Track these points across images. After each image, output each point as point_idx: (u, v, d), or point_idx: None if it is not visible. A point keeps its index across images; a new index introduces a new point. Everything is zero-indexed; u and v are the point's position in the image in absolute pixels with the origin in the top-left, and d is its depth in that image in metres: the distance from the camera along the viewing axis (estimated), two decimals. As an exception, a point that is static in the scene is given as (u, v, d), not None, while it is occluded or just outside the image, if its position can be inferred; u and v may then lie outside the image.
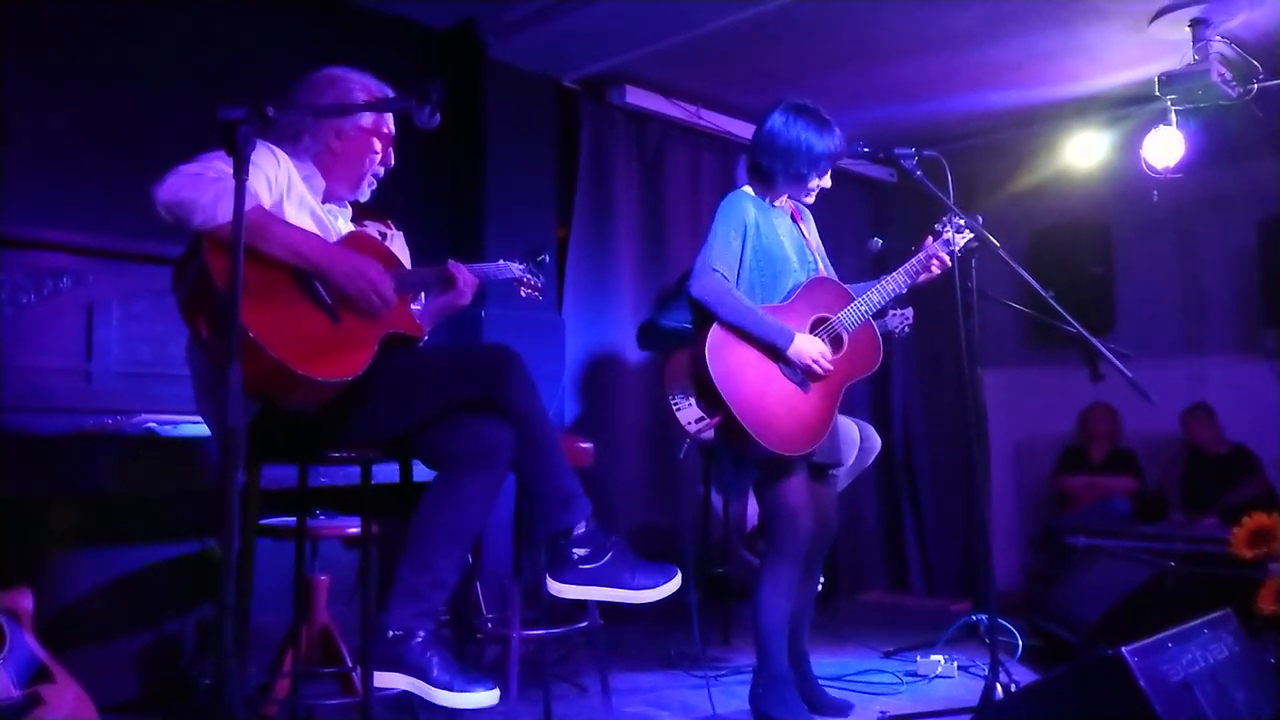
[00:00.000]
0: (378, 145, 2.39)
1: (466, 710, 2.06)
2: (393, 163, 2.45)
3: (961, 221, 3.11)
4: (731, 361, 2.91)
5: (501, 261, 2.72)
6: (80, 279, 3.06)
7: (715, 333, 2.91)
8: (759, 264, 3.05)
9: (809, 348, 2.97)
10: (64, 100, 3.36)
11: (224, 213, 1.94)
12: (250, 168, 1.98)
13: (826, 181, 3.17)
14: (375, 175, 2.43)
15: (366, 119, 2.36)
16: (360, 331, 2.14)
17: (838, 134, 3.10)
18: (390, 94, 2.38)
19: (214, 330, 1.99)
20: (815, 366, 2.97)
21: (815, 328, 3.04)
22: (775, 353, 2.96)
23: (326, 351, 2.04)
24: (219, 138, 1.73)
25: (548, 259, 2.84)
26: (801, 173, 3.09)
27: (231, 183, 1.89)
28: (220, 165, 1.99)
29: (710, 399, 2.90)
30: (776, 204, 3.18)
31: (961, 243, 3.13)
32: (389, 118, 2.41)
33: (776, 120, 3.09)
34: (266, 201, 2.11)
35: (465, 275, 2.47)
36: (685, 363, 4.12)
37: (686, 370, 4.12)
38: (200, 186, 1.96)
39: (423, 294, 2.69)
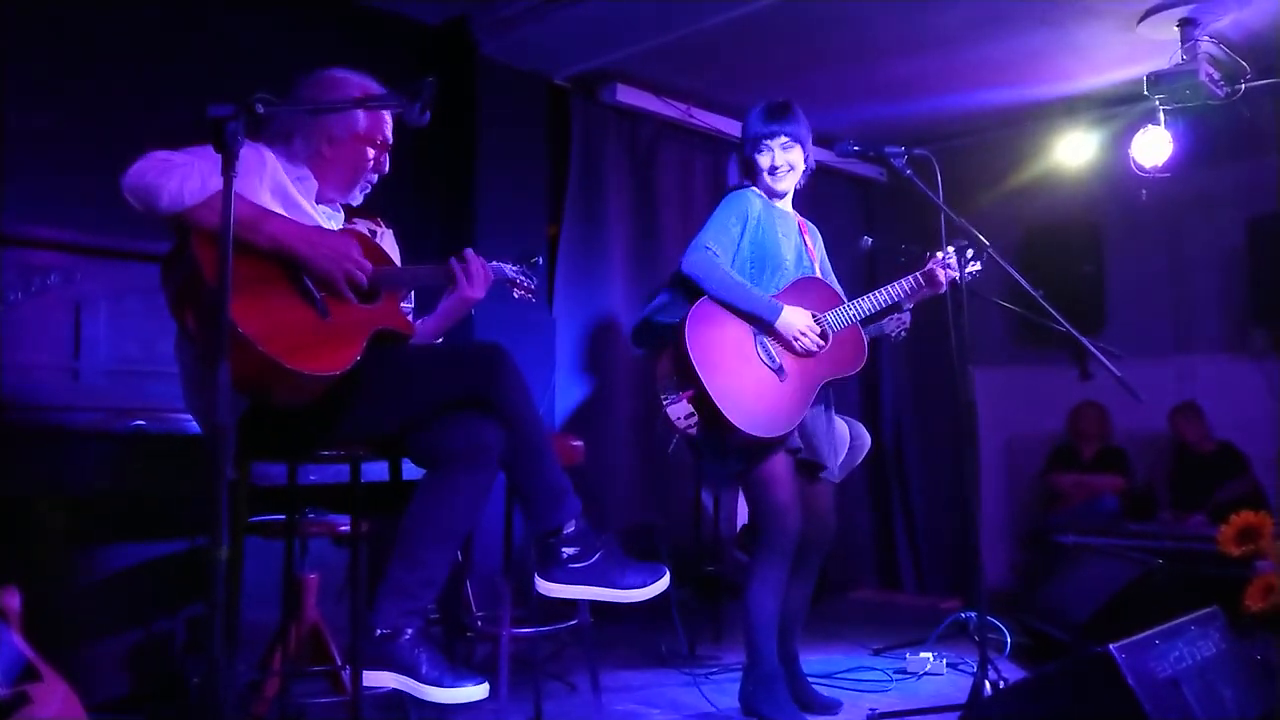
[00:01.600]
0: (371, 152, 2.38)
1: (457, 706, 2.06)
2: (387, 169, 2.43)
3: (970, 252, 3.13)
4: (710, 339, 2.94)
5: (494, 262, 2.72)
6: (69, 276, 3.04)
7: (697, 310, 2.94)
8: (753, 255, 3.08)
9: (797, 320, 3.00)
10: (53, 98, 3.34)
11: (190, 195, 1.94)
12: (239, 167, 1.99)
13: (779, 158, 3.14)
14: (369, 181, 2.42)
15: (360, 125, 2.33)
16: (349, 327, 2.14)
17: (782, 116, 3.14)
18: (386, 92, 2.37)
19: (201, 324, 1.99)
20: (803, 339, 3.00)
21: None
22: (763, 327, 2.99)
23: (315, 346, 2.04)
24: (205, 134, 1.73)
25: (541, 261, 2.83)
26: (747, 155, 3.20)
27: (201, 168, 1.91)
28: (189, 156, 1.98)
29: (685, 374, 2.92)
30: (779, 204, 3.20)
31: (965, 270, 3.15)
32: (387, 125, 2.39)
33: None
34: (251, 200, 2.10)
35: (469, 266, 2.42)
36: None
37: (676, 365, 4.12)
38: (166, 171, 1.95)
39: (413, 293, 2.68)
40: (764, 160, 3.16)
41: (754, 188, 3.19)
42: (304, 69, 2.36)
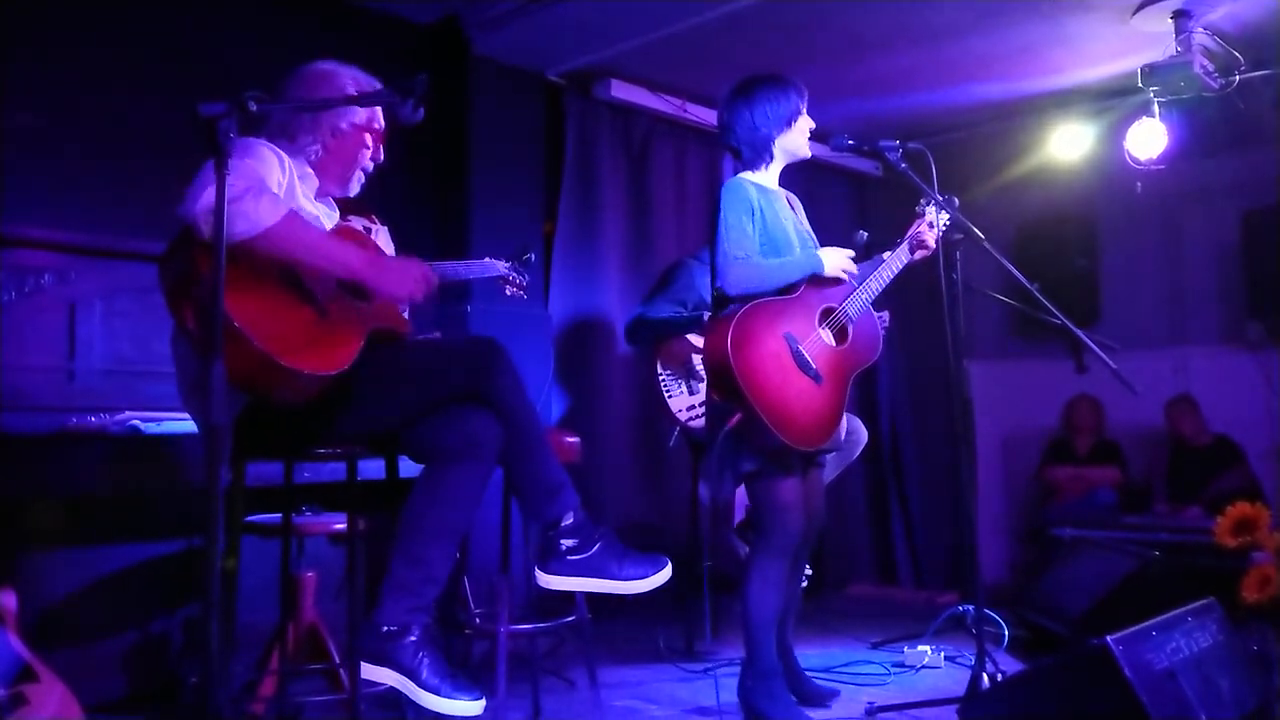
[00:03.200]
0: (369, 141, 2.40)
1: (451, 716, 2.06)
2: (382, 158, 2.45)
3: (940, 199, 3.13)
4: (751, 357, 2.89)
5: (487, 259, 2.71)
6: (62, 276, 3.04)
7: (734, 329, 2.89)
8: (764, 247, 3.05)
9: (837, 259, 3.05)
10: (46, 98, 3.33)
11: (265, 218, 1.95)
12: (264, 170, 2.01)
13: (810, 120, 3.17)
14: (365, 170, 2.43)
15: (360, 115, 2.35)
16: (347, 326, 2.14)
17: (795, 80, 3.17)
18: (378, 84, 2.37)
19: (199, 320, 1.98)
20: (847, 270, 3.07)
21: (823, 319, 3.05)
22: (817, 279, 3.03)
23: (313, 345, 2.03)
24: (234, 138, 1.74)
25: (534, 257, 2.83)
26: (772, 132, 3.11)
27: (268, 192, 1.93)
28: (253, 173, 2.00)
29: (731, 394, 2.89)
30: (772, 186, 3.18)
31: (943, 221, 3.16)
32: (379, 113, 2.41)
33: (738, 97, 3.15)
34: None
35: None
36: (680, 349, 4.12)
37: (681, 357, 4.12)
38: (242, 199, 1.92)
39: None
40: (806, 125, 3.15)
41: (744, 175, 3.16)
42: (296, 68, 2.35)
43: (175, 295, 2.04)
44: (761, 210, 3.05)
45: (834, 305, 3.06)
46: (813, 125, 3.18)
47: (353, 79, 2.34)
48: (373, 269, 2.12)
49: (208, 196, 1.84)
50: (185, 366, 2.15)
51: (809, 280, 3.05)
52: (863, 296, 3.09)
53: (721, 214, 3.02)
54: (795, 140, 3.14)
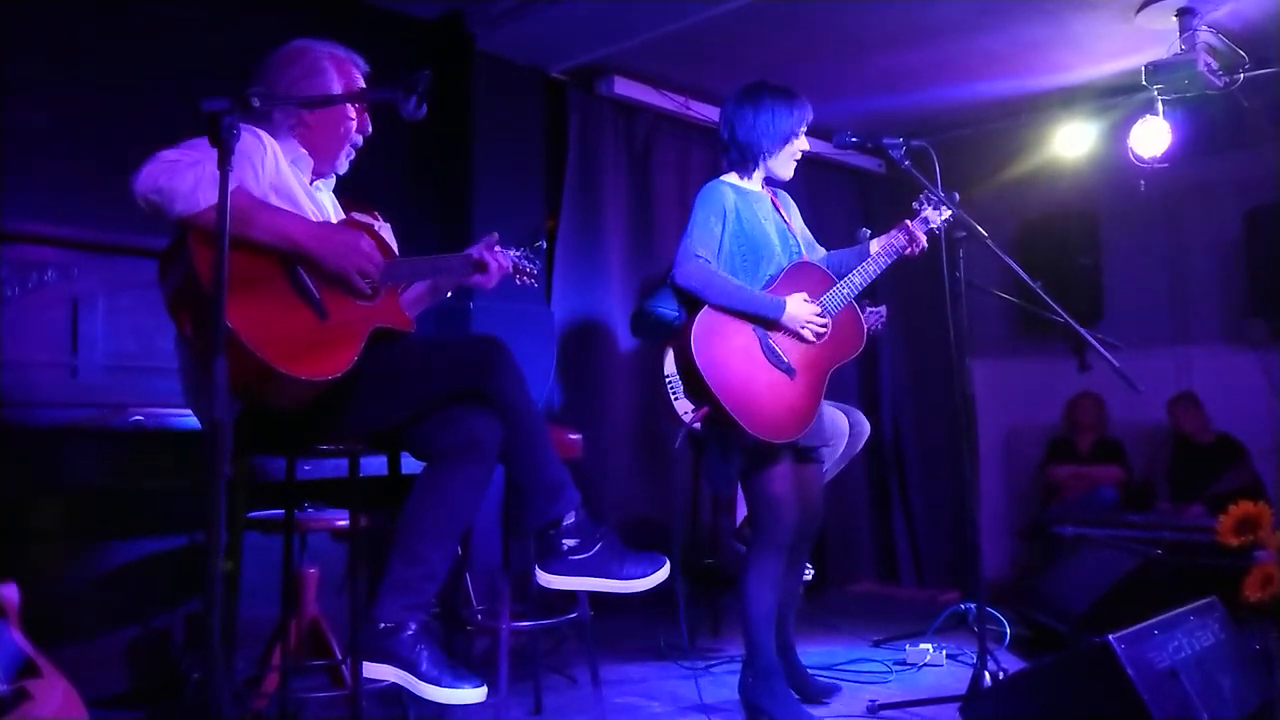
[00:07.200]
0: (351, 112, 2.36)
1: (454, 705, 2.06)
2: (370, 130, 2.42)
3: (938, 198, 3.13)
4: (717, 351, 2.90)
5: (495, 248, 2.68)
6: (65, 272, 3.03)
7: (699, 323, 2.91)
8: (740, 249, 3.05)
9: (801, 311, 2.98)
10: (48, 94, 3.33)
11: (205, 199, 1.92)
12: (237, 157, 1.97)
13: (805, 144, 3.17)
14: (354, 144, 2.40)
15: (335, 87, 2.31)
16: (348, 327, 2.12)
17: (804, 101, 3.15)
18: (355, 57, 2.36)
19: (198, 328, 1.97)
20: (810, 328, 2.98)
21: None
22: (769, 325, 2.96)
23: (311, 350, 2.02)
24: (203, 128, 1.72)
25: (544, 244, 2.81)
26: (767, 146, 3.10)
27: (211, 168, 1.85)
28: (195, 154, 1.96)
29: (697, 389, 2.90)
30: (754, 189, 3.17)
31: (939, 220, 3.15)
32: (358, 83, 2.37)
33: (746, 99, 3.14)
34: (254, 189, 2.09)
35: (499, 260, 2.48)
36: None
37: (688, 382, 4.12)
38: (179, 173, 1.93)
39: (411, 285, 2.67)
40: (799, 147, 3.15)
41: (726, 177, 3.16)
42: (271, 52, 2.34)
43: (175, 302, 2.03)
44: (738, 212, 3.06)
45: (810, 300, 3.06)
46: (806, 148, 3.19)
47: (328, 53, 2.32)
48: (316, 241, 2.08)
49: (147, 172, 1.93)
50: (189, 366, 2.15)
51: (786, 274, 3.05)
52: (844, 291, 3.08)
53: (694, 212, 3.05)
54: (782, 159, 3.15)
